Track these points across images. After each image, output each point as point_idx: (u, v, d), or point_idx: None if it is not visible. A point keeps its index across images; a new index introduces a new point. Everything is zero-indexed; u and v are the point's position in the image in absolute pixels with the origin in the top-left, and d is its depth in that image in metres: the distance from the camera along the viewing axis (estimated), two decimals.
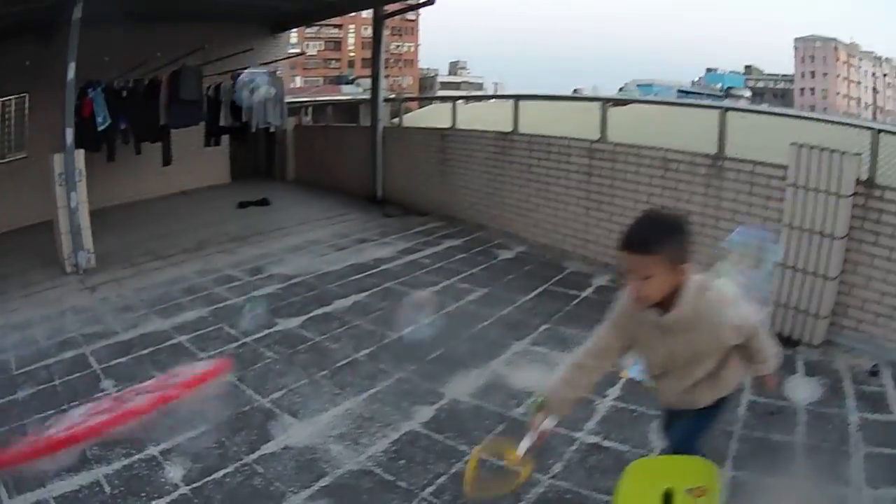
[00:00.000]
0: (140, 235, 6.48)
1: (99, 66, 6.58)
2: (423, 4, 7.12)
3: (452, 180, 6.81)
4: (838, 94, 72.26)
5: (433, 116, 8.05)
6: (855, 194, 3.59)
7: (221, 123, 7.84)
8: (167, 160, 7.92)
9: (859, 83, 75.27)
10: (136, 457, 2.53)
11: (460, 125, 6.85)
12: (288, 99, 8.63)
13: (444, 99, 8.54)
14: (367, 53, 8.37)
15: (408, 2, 7.63)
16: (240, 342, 3.81)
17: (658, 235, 1.50)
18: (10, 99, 7.20)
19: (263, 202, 7.96)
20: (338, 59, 54.88)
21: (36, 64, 6.75)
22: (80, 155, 5.32)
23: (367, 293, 4.62)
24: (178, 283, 5.00)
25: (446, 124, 6.93)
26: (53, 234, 5.38)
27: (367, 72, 8.59)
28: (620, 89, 55.42)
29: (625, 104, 6.40)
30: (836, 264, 3.64)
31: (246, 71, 7.52)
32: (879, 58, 78.67)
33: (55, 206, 5.27)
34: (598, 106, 5.34)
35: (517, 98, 6.14)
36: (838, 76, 73.74)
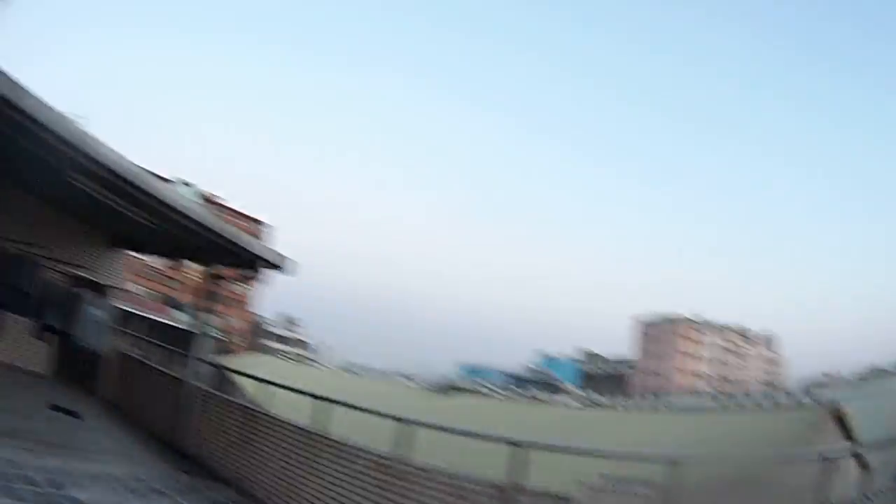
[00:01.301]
0: None
1: None
2: (249, 279, 7.37)
3: (251, 451, 6.71)
4: (680, 371, 69.04)
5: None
6: None
7: (48, 322, 7.86)
8: None
9: (702, 357, 72.37)
10: None
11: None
12: (126, 307, 8.39)
13: (254, 378, 8.87)
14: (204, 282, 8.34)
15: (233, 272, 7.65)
16: None
17: None
18: None
19: (74, 414, 7.32)
20: (176, 280, 50.19)
21: None
22: None
23: None
24: None
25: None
26: None
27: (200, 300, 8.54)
28: (448, 375, 50.52)
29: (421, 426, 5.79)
30: None
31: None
32: (723, 327, 75.74)
33: None
34: (394, 424, 5.58)
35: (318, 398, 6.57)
36: (679, 353, 70.79)
